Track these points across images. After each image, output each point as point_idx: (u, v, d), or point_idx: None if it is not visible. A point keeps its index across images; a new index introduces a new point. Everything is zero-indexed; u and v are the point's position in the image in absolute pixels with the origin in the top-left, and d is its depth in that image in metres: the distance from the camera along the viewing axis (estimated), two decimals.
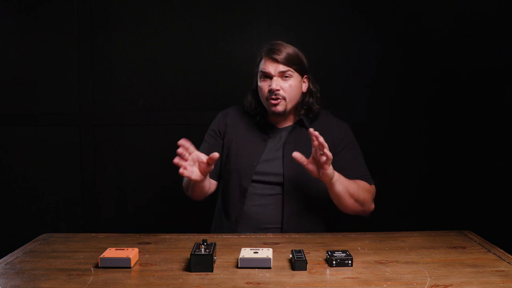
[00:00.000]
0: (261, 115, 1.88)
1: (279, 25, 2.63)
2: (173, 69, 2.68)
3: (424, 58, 2.63)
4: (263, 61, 1.82)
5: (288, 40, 1.86)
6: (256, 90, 1.88)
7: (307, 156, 1.63)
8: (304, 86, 1.87)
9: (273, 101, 1.78)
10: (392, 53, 2.64)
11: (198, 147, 1.93)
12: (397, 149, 2.66)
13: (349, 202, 1.71)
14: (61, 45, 2.67)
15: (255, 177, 1.82)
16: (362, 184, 1.78)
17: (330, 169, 1.59)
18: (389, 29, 2.62)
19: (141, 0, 2.65)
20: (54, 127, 2.71)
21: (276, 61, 1.77)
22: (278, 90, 1.77)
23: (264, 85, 1.80)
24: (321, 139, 1.53)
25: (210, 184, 1.87)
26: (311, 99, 1.87)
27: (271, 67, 1.78)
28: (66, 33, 2.66)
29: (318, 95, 1.89)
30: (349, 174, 1.75)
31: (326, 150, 1.53)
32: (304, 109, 1.86)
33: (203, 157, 1.55)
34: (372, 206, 1.79)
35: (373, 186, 1.83)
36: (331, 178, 1.62)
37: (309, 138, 1.77)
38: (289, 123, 1.88)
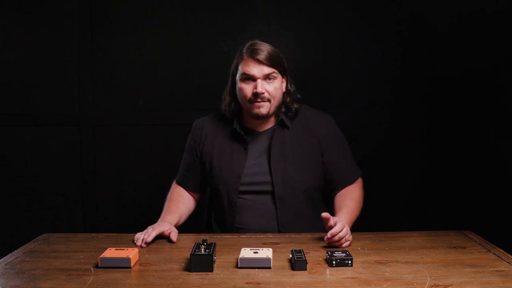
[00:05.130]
0: (238, 120, 1.80)
1: (279, 25, 2.63)
2: (173, 69, 2.67)
3: (424, 58, 2.62)
4: (244, 61, 1.72)
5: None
6: (233, 91, 1.80)
7: (292, 158, 1.73)
8: (283, 87, 1.79)
9: (257, 104, 1.70)
10: (393, 53, 2.63)
11: None
12: (397, 149, 2.66)
13: None
14: (61, 45, 2.67)
15: (242, 188, 1.76)
16: (355, 197, 1.78)
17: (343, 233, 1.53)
18: (389, 29, 2.62)
19: (141, 0, 2.65)
20: (54, 127, 2.71)
21: (260, 62, 1.69)
22: (263, 93, 1.69)
23: (246, 87, 1.71)
24: (332, 224, 1.51)
25: (190, 210, 1.87)
26: (288, 99, 1.80)
27: (255, 69, 1.69)
28: (66, 33, 2.66)
29: (298, 95, 1.82)
30: (340, 177, 1.80)
31: (336, 238, 1.50)
32: (284, 109, 1.80)
33: (165, 231, 1.61)
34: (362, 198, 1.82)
35: (359, 180, 1.85)
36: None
37: (293, 139, 1.77)
38: (269, 125, 1.80)
